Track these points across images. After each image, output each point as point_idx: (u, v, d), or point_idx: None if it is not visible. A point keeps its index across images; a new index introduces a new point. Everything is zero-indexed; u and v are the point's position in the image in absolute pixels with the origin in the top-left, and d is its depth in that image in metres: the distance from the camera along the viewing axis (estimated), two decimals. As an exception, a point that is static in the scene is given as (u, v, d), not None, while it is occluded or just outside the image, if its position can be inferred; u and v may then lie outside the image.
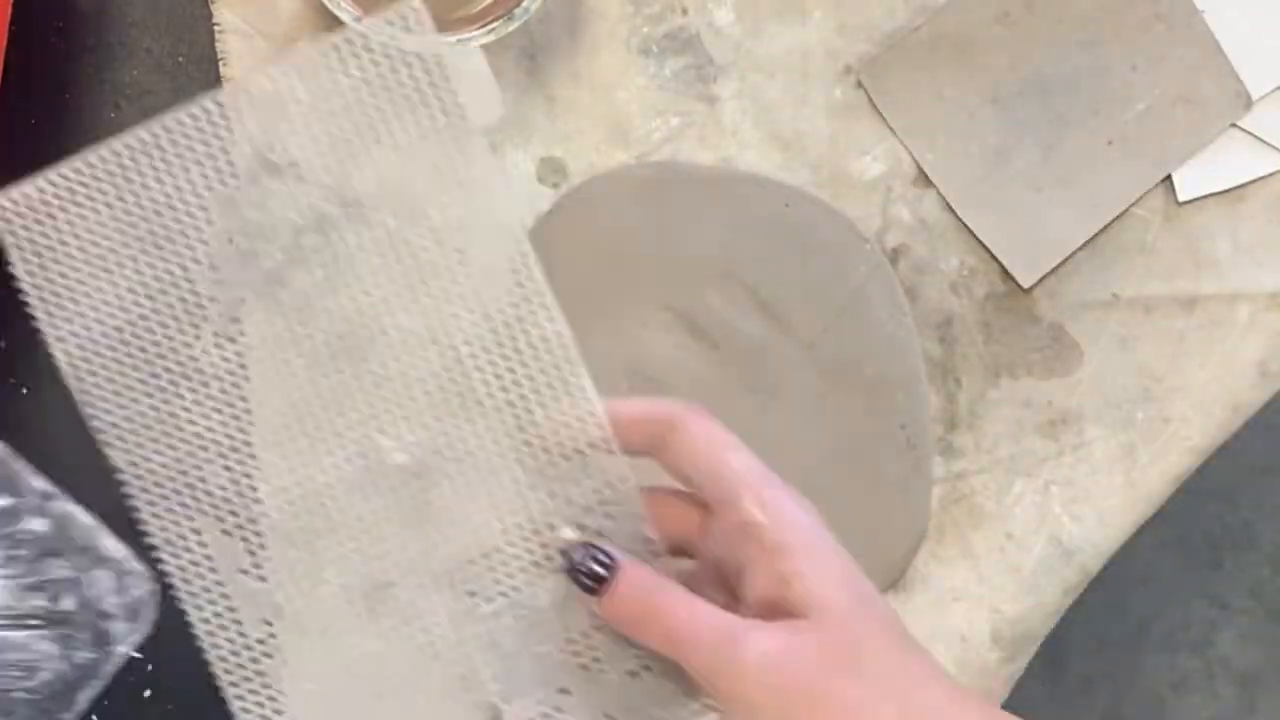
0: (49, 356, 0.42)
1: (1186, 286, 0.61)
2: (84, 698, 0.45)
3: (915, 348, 0.60)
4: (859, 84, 0.60)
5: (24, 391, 0.53)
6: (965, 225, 0.60)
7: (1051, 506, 0.60)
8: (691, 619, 0.42)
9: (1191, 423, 0.61)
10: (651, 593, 0.43)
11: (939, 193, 0.60)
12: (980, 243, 0.60)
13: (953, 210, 0.60)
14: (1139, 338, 0.61)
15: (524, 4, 0.55)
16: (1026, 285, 0.60)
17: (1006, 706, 0.62)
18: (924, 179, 0.60)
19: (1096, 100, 0.60)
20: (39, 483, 0.46)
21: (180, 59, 0.59)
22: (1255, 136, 0.60)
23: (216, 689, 0.59)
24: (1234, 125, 0.60)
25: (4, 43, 0.54)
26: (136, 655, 0.59)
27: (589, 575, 0.43)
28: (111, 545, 0.46)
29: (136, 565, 0.46)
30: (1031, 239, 0.60)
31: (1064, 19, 0.60)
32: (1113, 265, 0.60)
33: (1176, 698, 0.69)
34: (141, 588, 0.46)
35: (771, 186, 0.60)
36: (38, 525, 0.46)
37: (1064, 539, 0.60)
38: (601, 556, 0.43)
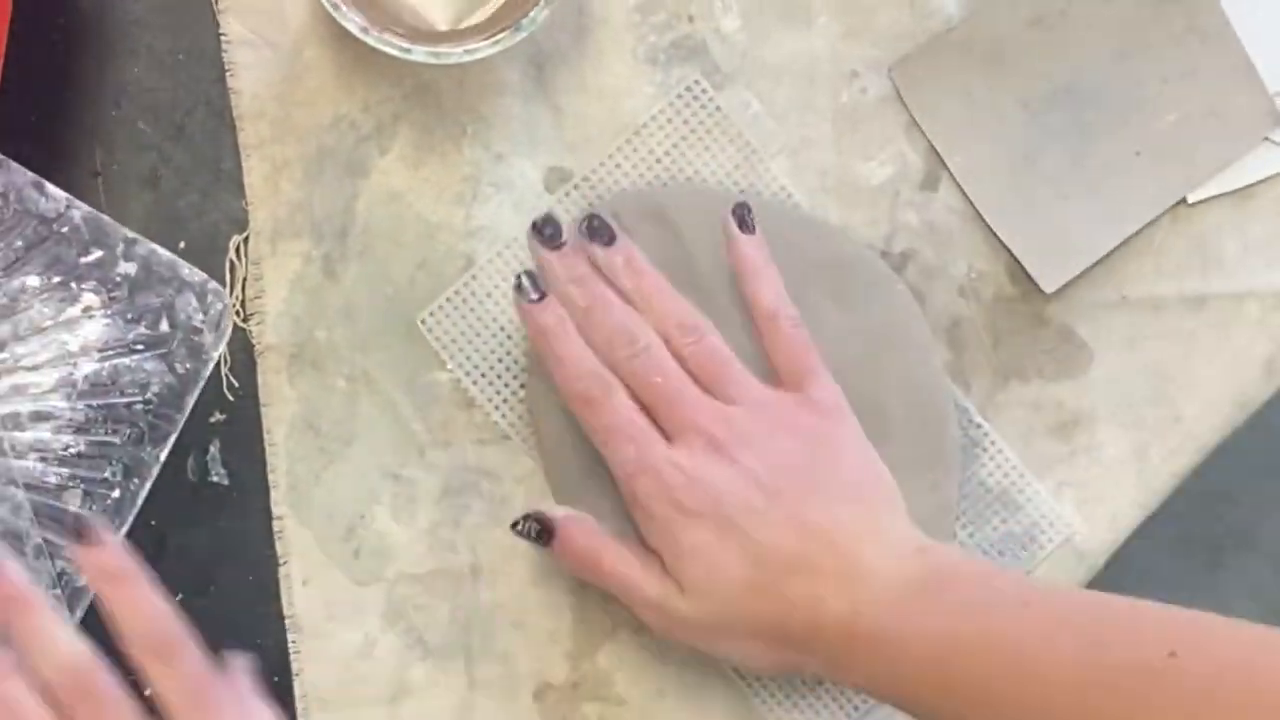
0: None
1: (1195, 286, 0.61)
2: (189, 400, 0.54)
3: (944, 388, 0.59)
4: (869, 87, 0.60)
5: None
6: (977, 229, 0.60)
7: (1064, 508, 0.60)
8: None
9: (1202, 421, 0.61)
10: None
11: (950, 196, 0.60)
12: (989, 246, 0.60)
13: (960, 213, 0.60)
14: (1148, 338, 0.60)
15: (531, 15, 0.54)
16: (1049, 291, 0.59)
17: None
18: (931, 182, 0.60)
19: (1126, 110, 0.59)
20: (124, 231, 0.54)
21: (181, 56, 0.58)
22: (1265, 137, 0.60)
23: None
24: (1267, 139, 0.60)
25: (4, 42, 0.54)
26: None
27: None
28: (190, 272, 0.55)
29: (214, 284, 0.55)
30: (1056, 245, 0.59)
31: (1097, 28, 0.59)
32: (1121, 266, 0.60)
33: (1177, 698, 0.69)
34: (221, 302, 0.55)
35: (798, 218, 0.59)
36: (127, 267, 0.55)
37: (1076, 540, 0.60)
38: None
